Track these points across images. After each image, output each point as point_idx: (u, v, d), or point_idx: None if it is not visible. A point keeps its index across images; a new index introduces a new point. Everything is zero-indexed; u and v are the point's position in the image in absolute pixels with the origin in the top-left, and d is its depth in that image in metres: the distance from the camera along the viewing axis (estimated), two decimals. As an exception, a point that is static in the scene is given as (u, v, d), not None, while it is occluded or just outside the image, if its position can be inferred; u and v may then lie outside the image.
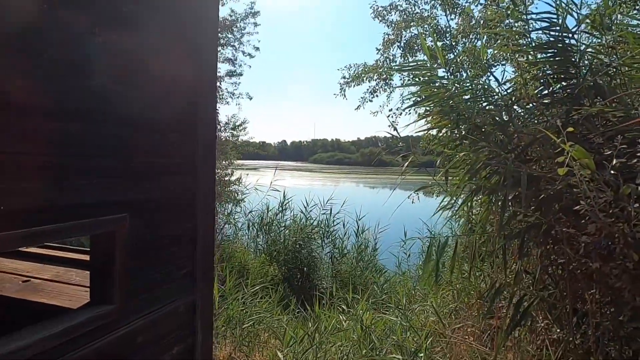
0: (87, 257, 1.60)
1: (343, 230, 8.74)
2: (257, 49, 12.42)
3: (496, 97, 2.90)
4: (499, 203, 2.39)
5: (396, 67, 7.10)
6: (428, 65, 2.81)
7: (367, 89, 8.12)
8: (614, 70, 2.64)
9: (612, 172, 1.70)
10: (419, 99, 2.99)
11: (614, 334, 2.23)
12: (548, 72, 2.61)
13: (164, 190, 1.20)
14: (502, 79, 3.05)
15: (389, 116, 7.09)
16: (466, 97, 2.78)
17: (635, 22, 3.80)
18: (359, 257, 8.05)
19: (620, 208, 1.76)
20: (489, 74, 3.63)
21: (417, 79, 3.09)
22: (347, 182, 41.99)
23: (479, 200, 2.66)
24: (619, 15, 3.06)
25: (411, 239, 7.08)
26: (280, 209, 8.47)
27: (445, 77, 3.07)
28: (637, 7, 5.12)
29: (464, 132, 2.77)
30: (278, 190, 8.41)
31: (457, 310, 4.12)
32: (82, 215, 0.93)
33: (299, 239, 7.84)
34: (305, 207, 8.55)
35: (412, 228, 8.27)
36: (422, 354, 3.17)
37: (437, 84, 2.84)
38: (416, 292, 5.31)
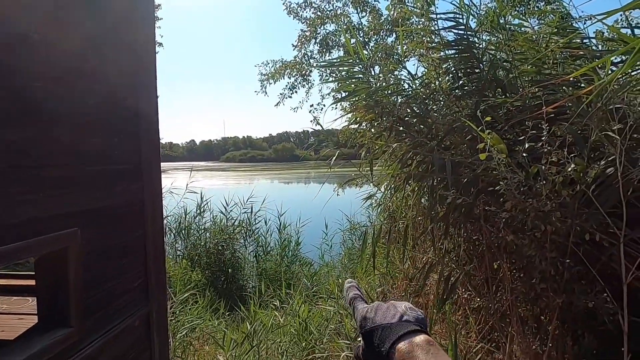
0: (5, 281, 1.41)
1: (265, 227, 8.70)
2: (161, 44, 11.69)
3: (410, 91, 3.12)
4: (426, 189, 2.59)
5: (322, 63, 7.21)
6: (352, 61, 2.91)
7: (286, 85, 8.12)
8: (510, 65, 2.99)
9: (524, 154, 1.94)
10: (344, 94, 3.09)
11: (524, 297, 2.56)
12: (460, 67, 2.86)
13: (112, 198, 1.10)
14: (415, 73, 3.29)
15: (310, 111, 7.20)
16: (388, 91, 2.94)
17: (517, 21, 4.35)
18: (282, 253, 8.06)
19: (528, 186, 2.01)
20: (401, 68, 3.84)
21: (341, 75, 3.19)
22: (261, 179, 41.66)
23: (410, 187, 2.84)
24: (509, 17, 3.47)
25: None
26: (199, 211, 8.14)
27: (365, 72, 3.21)
28: (517, 9, 5.86)
29: (387, 124, 2.93)
30: (195, 192, 8.03)
31: (384, 293, 4.37)
32: (30, 233, 0.82)
33: (220, 240, 7.60)
34: (225, 208, 8.32)
35: (332, 219, 8.52)
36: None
37: (360, 79, 2.96)
38: (343, 281, 5.50)
